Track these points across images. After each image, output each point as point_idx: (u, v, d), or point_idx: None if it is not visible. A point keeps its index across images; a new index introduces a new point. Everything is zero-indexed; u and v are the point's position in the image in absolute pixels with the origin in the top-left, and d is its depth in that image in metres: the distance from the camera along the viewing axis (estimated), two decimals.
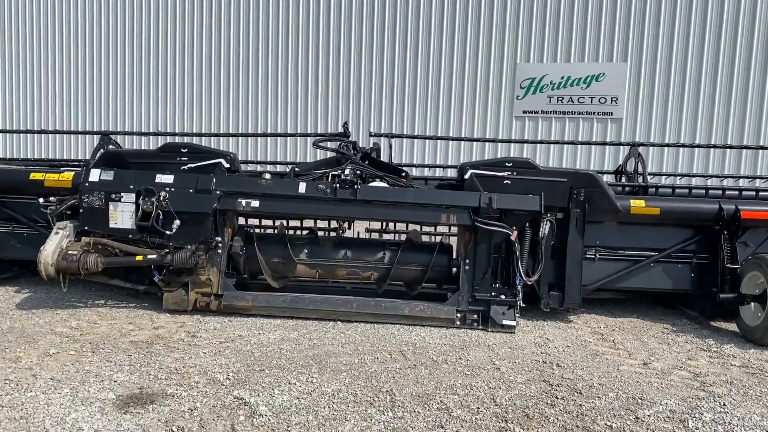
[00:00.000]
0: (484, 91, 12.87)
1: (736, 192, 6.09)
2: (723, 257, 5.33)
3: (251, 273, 5.44)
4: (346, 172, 5.19)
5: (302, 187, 5.11)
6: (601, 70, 12.60)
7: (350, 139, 6.53)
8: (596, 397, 3.78)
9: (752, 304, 5.10)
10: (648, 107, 12.35)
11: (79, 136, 13.32)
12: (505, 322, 5.07)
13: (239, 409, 3.38)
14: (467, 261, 5.17)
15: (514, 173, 5.26)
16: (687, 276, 5.58)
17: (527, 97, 13.05)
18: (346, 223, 6.03)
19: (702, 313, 5.59)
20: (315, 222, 6.10)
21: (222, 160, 5.34)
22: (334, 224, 5.99)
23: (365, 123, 12.75)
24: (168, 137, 8.47)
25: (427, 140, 13.11)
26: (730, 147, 8.93)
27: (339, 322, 5.16)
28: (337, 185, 5.09)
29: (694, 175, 8.29)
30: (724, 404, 3.74)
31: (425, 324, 5.14)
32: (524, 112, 13.03)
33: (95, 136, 8.50)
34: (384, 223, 5.94)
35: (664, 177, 8.49)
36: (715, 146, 8.83)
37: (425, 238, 6.05)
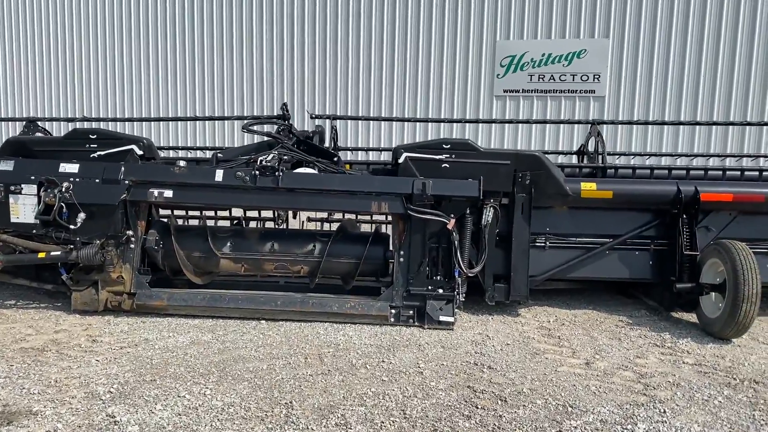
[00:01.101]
0: (464, 69, 12.37)
1: (702, 172, 5.63)
2: (681, 243, 4.91)
3: (172, 269, 5.03)
4: (269, 158, 4.73)
5: (219, 175, 4.68)
6: (582, 47, 12.09)
7: (291, 121, 6.08)
8: (521, 405, 3.38)
9: (712, 294, 4.69)
10: (631, 84, 11.86)
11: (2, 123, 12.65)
12: (442, 318, 4.66)
13: (105, 430, 2.97)
14: (402, 252, 4.76)
15: (453, 156, 4.82)
16: (645, 264, 5.17)
17: (508, 76, 12.54)
18: (291, 212, 5.62)
19: (661, 304, 5.20)
20: (260, 213, 5.68)
21: (134, 147, 4.90)
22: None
23: (331, 105, 12.24)
24: (94, 123, 7.96)
25: (406, 123, 12.65)
26: (700, 123, 8.43)
27: (264, 322, 4.77)
28: (257, 172, 4.64)
29: (663, 155, 7.82)
30: (664, 411, 3.35)
31: (356, 322, 4.74)
32: (505, 91, 12.54)
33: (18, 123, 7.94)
34: (330, 212, 5.51)
35: (632, 157, 8.06)
36: (683, 123, 8.33)
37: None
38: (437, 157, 4.83)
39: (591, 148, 6.35)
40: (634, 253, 5.18)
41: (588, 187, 4.96)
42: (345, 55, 12.36)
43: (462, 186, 4.69)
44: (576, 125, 11.59)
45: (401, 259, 4.76)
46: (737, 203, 4.97)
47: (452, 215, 4.71)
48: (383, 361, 4.00)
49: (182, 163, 4.87)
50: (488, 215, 4.89)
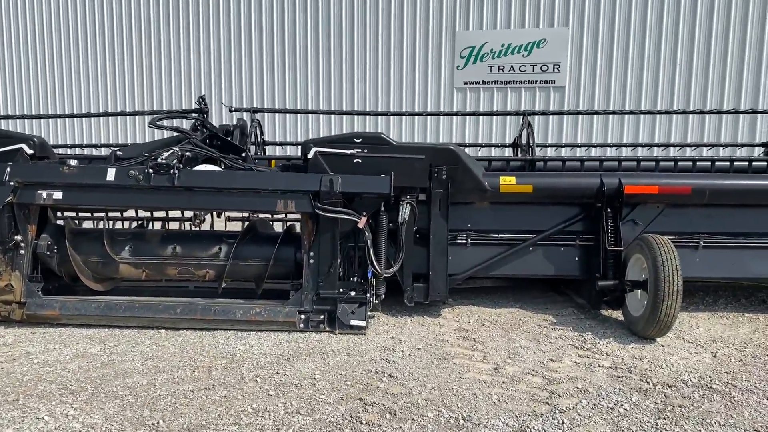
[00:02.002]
0: (424, 62, 12.12)
1: (634, 163, 5.43)
2: (605, 239, 4.70)
3: (71, 276, 4.71)
4: (166, 155, 4.42)
5: (111, 174, 4.37)
6: (542, 36, 11.93)
7: (208, 115, 5.77)
8: (410, 419, 3.14)
9: (637, 291, 4.49)
10: (591, 74, 11.74)
11: None
12: (353, 322, 4.41)
13: None
14: (312, 254, 4.50)
15: (365, 150, 4.55)
16: (571, 260, 4.96)
17: (468, 67, 12.34)
18: (213, 213, 5.31)
19: (589, 302, 5.00)
20: (183, 213, 5.37)
21: (23, 146, 4.57)
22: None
23: (291, 98, 11.89)
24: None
25: (367, 117, 12.38)
26: (634, 113, 8.23)
27: (163, 331, 4.48)
28: (151, 170, 4.33)
29: (591, 145, 7.60)
30: (563, 423, 3.13)
31: (263, 329, 4.47)
32: (465, 83, 12.36)
33: None
34: (244, 212, 5.23)
35: (576, 149, 7.86)
36: (616, 112, 8.15)
37: None
38: (348, 152, 4.55)
39: (524, 140, 6.12)
40: (560, 249, 4.97)
41: (507, 182, 4.74)
42: (302, 48, 12.01)
43: (372, 182, 4.44)
44: (538, 117, 11.39)
45: (311, 261, 4.49)
46: (663, 195, 4.78)
47: (364, 213, 4.45)
48: (277, 373, 3.74)
49: (73, 162, 4.54)
50: (405, 212, 4.64)
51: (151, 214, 5.59)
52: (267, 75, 11.87)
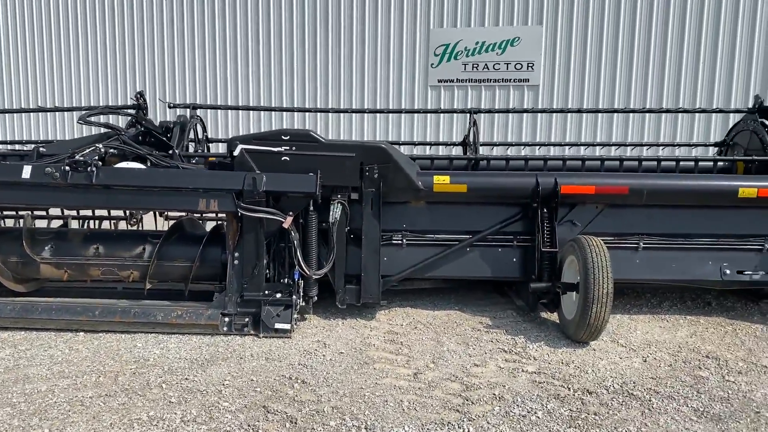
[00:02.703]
0: (398, 59, 11.95)
1: (579, 162, 5.34)
2: (540, 240, 4.60)
3: None
4: (86, 152, 4.28)
5: (27, 172, 4.22)
6: (516, 34, 11.79)
7: (146, 112, 5.64)
8: (310, 428, 3.04)
9: (572, 294, 4.38)
10: (565, 72, 11.62)
11: None
12: (278, 326, 4.29)
13: None
14: (236, 254, 4.36)
15: (293, 148, 4.42)
16: (509, 261, 4.86)
17: (442, 65, 12.18)
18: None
19: (527, 304, 4.88)
20: (109, 212, 5.21)
21: None
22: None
23: (278, 96, 11.67)
24: None
25: (341, 114, 12.21)
26: (582, 111, 8.14)
27: (82, 334, 4.33)
28: (68, 168, 4.18)
29: (524, 144, 7.49)
30: (468, 431, 3.00)
31: (185, 332, 4.33)
32: (439, 81, 12.20)
33: None
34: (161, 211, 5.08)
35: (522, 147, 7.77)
36: (570, 111, 8.03)
37: None
38: (275, 149, 4.42)
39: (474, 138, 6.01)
40: (498, 250, 4.87)
41: (441, 181, 4.63)
42: (274, 42, 11.77)
43: (298, 181, 4.32)
44: (511, 115, 11.28)
45: (235, 262, 4.37)
46: (600, 195, 4.69)
47: (290, 213, 4.32)
48: (186, 379, 3.62)
49: None
50: (336, 212, 4.53)
51: (93, 212, 5.43)
52: (230, 73, 11.66)
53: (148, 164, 4.63)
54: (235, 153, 4.45)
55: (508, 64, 11.95)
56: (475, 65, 12.05)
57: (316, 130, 11.60)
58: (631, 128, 11.41)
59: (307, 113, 11.27)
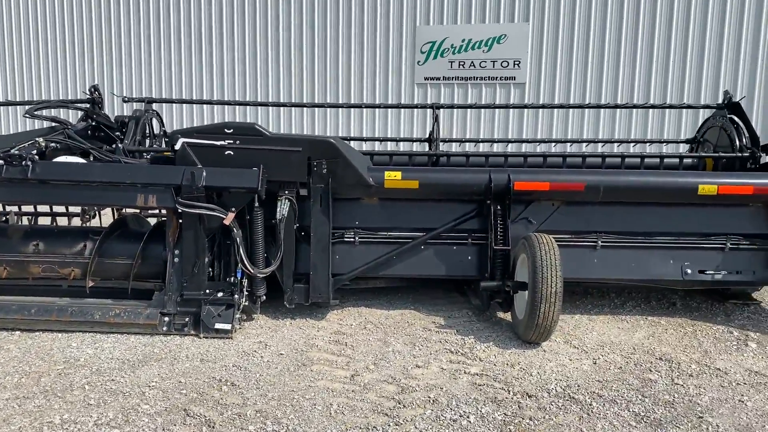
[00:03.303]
0: (384, 57, 11.83)
1: (540, 159, 5.21)
2: (493, 237, 4.47)
3: None
4: (24, 145, 4.16)
5: None
6: (502, 32, 11.66)
7: (100, 106, 5.53)
8: None
9: (524, 293, 4.26)
10: (551, 70, 11.49)
11: None
12: (218, 326, 4.17)
13: None
14: (176, 252, 4.24)
15: (237, 141, 4.29)
16: (464, 259, 4.74)
17: (429, 63, 12.05)
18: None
19: (482, 303, 4.75)
20: (67, 208, 5.08)
21: None
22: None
23: (263, 93, 11.54)
24: None
25: (327, 110, 12.09)
26: (544, 106, 7.99)
27: (18, 332, 4.21)
28: (2, 162, 4.06)
29: (482, 141, 7.34)
30: None
31: (123, 331, 4.21)
32: (426, 78, 12.08)
33: None
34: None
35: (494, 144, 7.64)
36: (527, 106, 7.88)
37: None
38: (218, 143, 4.29)
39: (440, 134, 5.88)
40: (452, 248, 4.74)
41: (392, 177, 4.50)
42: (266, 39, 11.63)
43: (240, 176, 4.19)
44: (497, 111, 11.15)
45: (175, 260, 4.25)
46: (555, 192, 4.56)
47: (233, 209, 4.19)
48: (112, 380, 3.50)
49: None
50: (283, 208, 4.41)
51: (51, 208, 5.31)
52: (206, 67, 11.51)
53: (91, 159, 4.51)
54: (177, 147, 4.32)
55: (494, 62, 11.83)
56: (461, 63, 11.93)
57: (302, 126, 11.51)
58: (617, 125, 11.28)
59: (293, 108, 11.12)
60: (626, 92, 11.11)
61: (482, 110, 11.20)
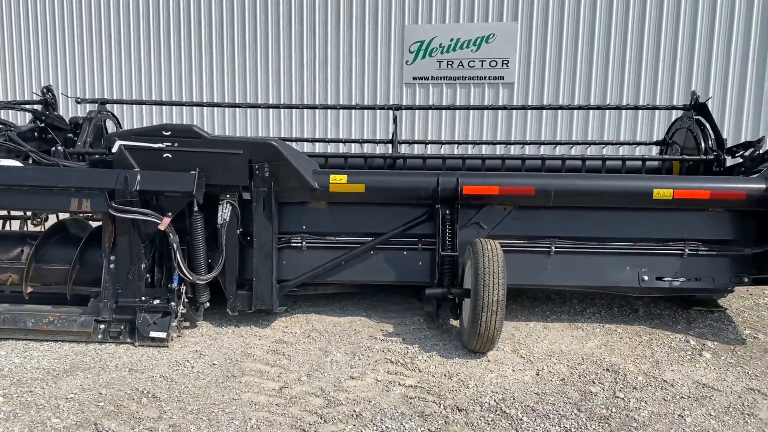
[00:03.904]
0: (373, 57, 11.71)
1: (499, 162, 5.09)
2: (440, 243, 4.35)
3: None
4: None
5: None
6: (491, 31, 11.52)
7: (54, 107, 5.44)
8: None
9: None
10: (540, 70, 11.35)
11: None
12: (153, 334, 4.07)
13: None
14: (112, 257, 4.13)
15: (176, 144, 4.18)
16: (415, 265, 4.62)
17: (417, 62, 11.92)
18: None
19: (433, 309, 4.62)
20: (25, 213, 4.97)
21: None
22: None
23: (253, 94, 11.43)
24: None
25: (317, 111, 11.99)
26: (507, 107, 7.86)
27: None
28: None
29: (431, 142, 7.21)
30: None
31: (58, 339, 4.12)
32: (414, 78, 11.95)
33: None
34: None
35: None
36: (477, 107, 7.76)
37: None
38: (155, 145, 4.19)
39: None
40: (403, 253, 4.62)
41: (337, 180, 4.39)
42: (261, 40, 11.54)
43: (174, 179, 4.09)
44: (487, 113, 11.01)
45: (111, 266, 4.15)
46: (505, 197, 4.43)
47: (169, 213, 4.08)
48: (31, 392, 3.42)
49: None
50: (225, 213, 4.31)
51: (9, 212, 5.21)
52: (196, 67, 11.41)
53: (30, 162, 4.41)
54: (114, 150, 4.21)
55: (483, 61, 11.69)
56: (450, 62, 11.79)
57: (291, 129, 11.35)
58: (606, 126, 11.13)
59: (281, 110, 10.98)
60: (616, 91, 10.96)
61: (470, 111, 11.06)
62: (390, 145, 5.93)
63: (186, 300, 4.30)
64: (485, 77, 11.59)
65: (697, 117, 5.33)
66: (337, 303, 5.11)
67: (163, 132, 4.25)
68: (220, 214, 4.32)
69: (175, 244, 4.15)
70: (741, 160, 4.91)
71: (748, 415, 3.32)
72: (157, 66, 11.47)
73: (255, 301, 4.43)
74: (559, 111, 11.14)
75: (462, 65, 11.66)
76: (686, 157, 5.09)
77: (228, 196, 4.34)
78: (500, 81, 11.54)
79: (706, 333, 4.56)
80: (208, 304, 4.50)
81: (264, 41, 11.36)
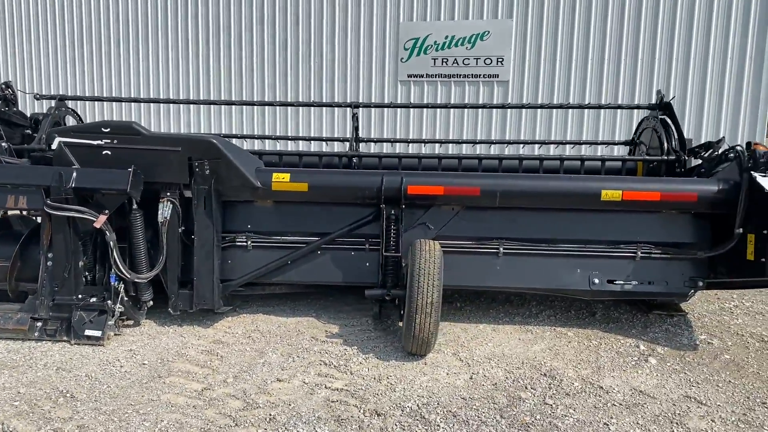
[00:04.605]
0: (368, 54, 11.66)
1: (455, 161, 5.03)
2: (384, 243, 4.29)
3: None
4: None
5: None
6: (485, 28, 11.42)
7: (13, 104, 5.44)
8: None
9: None
10: (535, 68, 11.23)
11: None
12: (88, 332, 4.05)
13: None
14: (50, 255, 4.11)
15: (115, 141, 4.15)
16: (362, 266, 4.57)
17: (412, 60, 11.86)
18: None
19: (379, 311, 4.56)
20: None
21: None
22: None
23: (249, 92, 11.42)
24: None
25: (312, 108, 11.95)
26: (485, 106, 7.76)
27: None
28: None
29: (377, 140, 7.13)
30: None
31: None
32: (409, 75, 11.88)
33: None
34: None
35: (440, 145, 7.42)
36: (440, 105, 7.67)
37: None
38: (95, 142, 4.16)
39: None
40: (350, 254, 4.57)
41: (279, 179, 4.34)
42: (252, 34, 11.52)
43: (110, 177, 4.07)
44: (480, 112, 10.92)
45: (49, 263, 4.13)
46: (450, 197, 4.36)
47: (106, 211, 4.06)
48: None
49: None
50: (165, 211, 4.29)
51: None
52: (192, 68, 11.40)
53: None
54: (53, 146, 4.19)
55: (477, 59, 11.59)
56: (444, 60, 11.70)
57: (286, 126, 11.33)
58: (601, 124, 11.00)
59: (255, 107, 10.96)
60: (611, 90, 10.82)
61: (465, 109, 10.97)
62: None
63: (127, 299, 4.28)
64: (480, 75, 11.49)
65: (662, 116, 5.22)
66: (289, 303, 5.06)
67: (103, 129, 4.23)
68: (160, 212, 4.29)
69: (111, 242, 4.13)
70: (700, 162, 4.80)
71: (676, 423, 3.23)
72: (126, 64, 11.43)
73: (196, 300, 4.40)
74: (554, 109, 11.01)
75: (457, 63, 11.57)
76: (647, 157, 4.99)
77: (168, 194, 4.31)
78: (495, 79, 11.43)
79: (659, 338, 4.46)
80: (151, 302, 4.48)
81: (259, 39, 11.32)
